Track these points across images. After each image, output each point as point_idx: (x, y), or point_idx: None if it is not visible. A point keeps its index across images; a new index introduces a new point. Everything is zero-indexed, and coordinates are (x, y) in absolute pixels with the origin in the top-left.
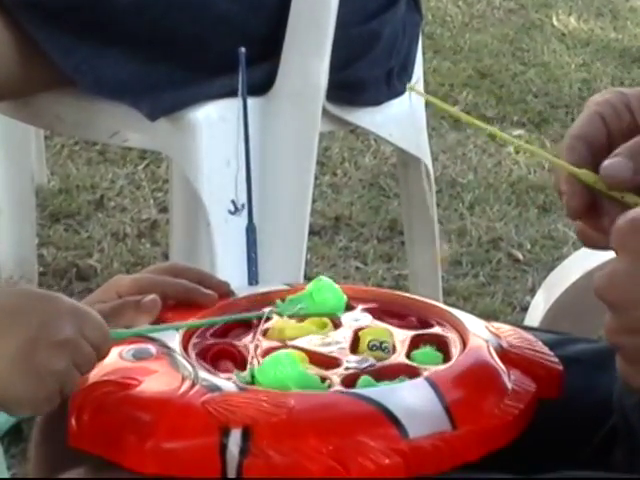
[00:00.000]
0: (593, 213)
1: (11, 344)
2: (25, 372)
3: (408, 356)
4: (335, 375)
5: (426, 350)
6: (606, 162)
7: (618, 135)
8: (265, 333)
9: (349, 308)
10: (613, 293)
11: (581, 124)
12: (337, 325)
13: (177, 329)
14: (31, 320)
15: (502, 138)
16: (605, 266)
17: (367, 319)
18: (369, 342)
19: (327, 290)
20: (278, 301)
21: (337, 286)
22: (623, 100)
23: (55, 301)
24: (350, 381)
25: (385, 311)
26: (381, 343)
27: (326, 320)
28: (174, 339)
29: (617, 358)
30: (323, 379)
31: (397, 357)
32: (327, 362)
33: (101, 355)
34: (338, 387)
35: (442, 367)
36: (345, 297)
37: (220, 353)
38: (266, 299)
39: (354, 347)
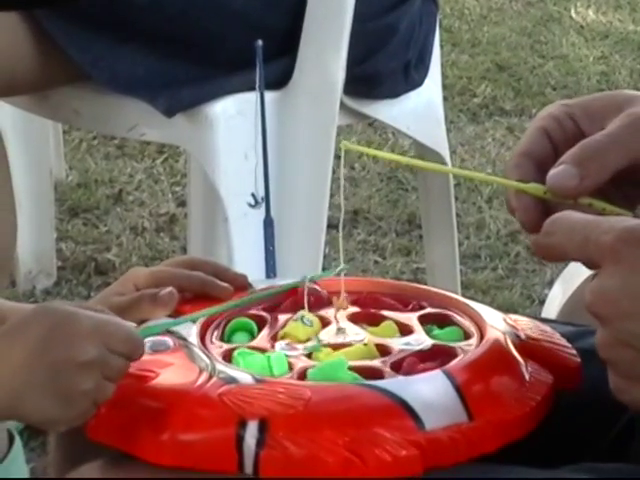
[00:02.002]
0: None
1: (37, 370)
2: (56, 396)
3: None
4: None
5: (447, 330)
6: (551, 172)
7: (564, 146)
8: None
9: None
10: (605, 307)
11: (526, 141)
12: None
13: (196, 319)
14: (54, 345)
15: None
16: (592, 281)
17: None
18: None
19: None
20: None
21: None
22: (566, 111)
23: (77, 320)
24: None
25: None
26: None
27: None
28: (191, 331)
29: (609, 373)
30: None
31: (422, 339)
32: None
33: (136, 358)
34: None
35: (471, 341)
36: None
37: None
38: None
39: None
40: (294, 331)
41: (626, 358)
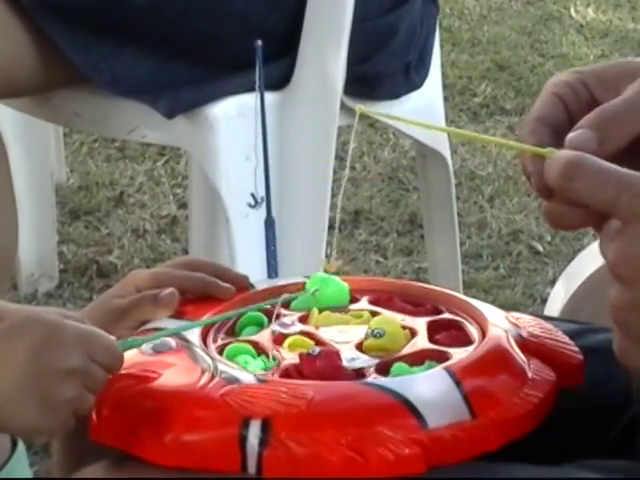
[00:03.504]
0: None
1: (20, 377)
2: (38, 404)
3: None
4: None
5: (448, 334)
6: (570, 135)
7: (577, 112)
8: (304, 320)
9: (353, 300)
10: (630, 270)
11: (539, 107)
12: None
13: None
14: (38, 352)
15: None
16: (615, 242)
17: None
18: (366, 332)
19: (327, 284)
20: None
21: (336, 278)
22: (579, 78)
23: (61, 329)
24: (384, 368)
25: (394, 300)
26: (372, 330)
27: (365, 313)
28: (193, 332)
29: (616, 335)
30: None
31: (422, 342)
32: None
33: (115, 371)
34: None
35: (469, 348)
36: (347, 286)
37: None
38: (285, 291)
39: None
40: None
41: (639, 322)
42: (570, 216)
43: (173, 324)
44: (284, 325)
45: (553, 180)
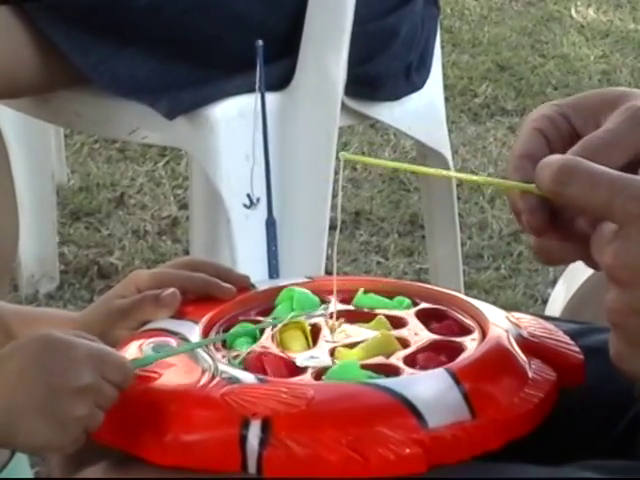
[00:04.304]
0: (556, 226)
1: (32, 394)
2: (49, 421)
3: None
4: None
5: (443, 324)
6: None
7: (559, 144)
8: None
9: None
10: (627, 272)
11: (522, 143)
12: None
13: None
14: (51, 369)
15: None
16: (612, 244)
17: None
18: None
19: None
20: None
21: (305, 290)
22: (558, 111)
23: (73, 347)
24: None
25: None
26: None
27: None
28: (194, 332)
29: (613, 339)
30: None
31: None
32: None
33: (125, 388)
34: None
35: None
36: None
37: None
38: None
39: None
40: (289, 342)
41: (636, 326)
42: (561, 251)
43: (174, 324)
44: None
45: (546, 186)
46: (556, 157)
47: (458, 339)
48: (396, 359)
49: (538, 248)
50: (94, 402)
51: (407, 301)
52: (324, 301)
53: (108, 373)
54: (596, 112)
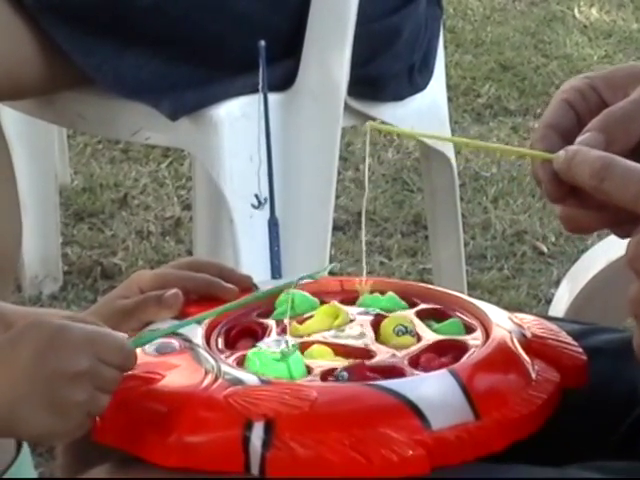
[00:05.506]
0: (577, 194)
1: (30, 383)
2: (50, 409)
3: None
4: None
5: (448, 323)
6: (578, 139)
7: (587, 116)
8: (284, 331)
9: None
10: None
11: (549, 113)
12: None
13: (198, 321)
14: (45, 356)
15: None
16: (636, 233)
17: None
18: (394, 328)
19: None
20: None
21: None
22: (587, 83)
23: (67, 331)
24: (415, 363)
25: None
26: (406, 327)
27: (339, 308)
28: (197, 333)
29: (637, 331)
30: None
31: (428, 335)
32: (357, 354)
33: (128, 369)
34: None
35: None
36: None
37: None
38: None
39: (377, 337)
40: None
41: None
42: (586, 219)
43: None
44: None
45: (585, 181)
46: (593, 153)
47: (461, 338)
48: (400, 359)
49: (563, 216)
50: (94, 386)
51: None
52: (324, 302)
53: (106, 355)
54: (625, 84)
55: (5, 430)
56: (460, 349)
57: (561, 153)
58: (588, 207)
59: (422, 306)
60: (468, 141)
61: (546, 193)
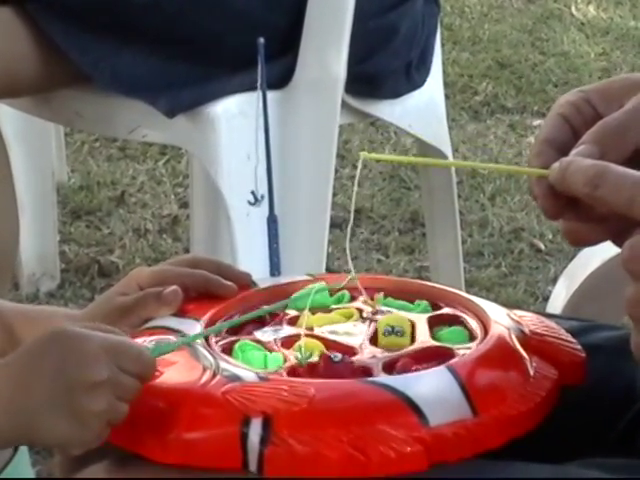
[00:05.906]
0: (574, 207)
1: (49, 392)
2: (70, 418)
3: (433, 338)
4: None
5: (452, 329)
6: (573, 151)
7: (583, 130)
8: (293, 322)
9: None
10: (638, 264)
11: (545, 128)
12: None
13: (208, 335)
14: (65, 366)
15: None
16: (632, 236)
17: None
18: (383, 328)
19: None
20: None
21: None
22: (582, 96)
23: (86, 340)
24: (390, 367)
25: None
26: (393, 327)
27: (353, 310)
28: (195, 330)
29: (633, 332)
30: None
31: (424, 340)
32: (344, 351)
33: (148, 378)
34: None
35: (473, 344)
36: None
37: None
38: (288, 290)
39: (374, 338)
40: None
41: None
42: (587, 232)
43: (176, 322)
44: (277, 327)
45: (579, 189)
46: (587, 161)
47: (454, 345)
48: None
49: (565, 230)
50: (114, 395)
51: (424, 304)
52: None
53: (125, 364)
54: (620, 96)
55: (24, 438)
56: (446, 357)
57: (555, 165)
58: (587, 220)
59: (445, 310)
60: (465, 163)
61: (542, 209)
